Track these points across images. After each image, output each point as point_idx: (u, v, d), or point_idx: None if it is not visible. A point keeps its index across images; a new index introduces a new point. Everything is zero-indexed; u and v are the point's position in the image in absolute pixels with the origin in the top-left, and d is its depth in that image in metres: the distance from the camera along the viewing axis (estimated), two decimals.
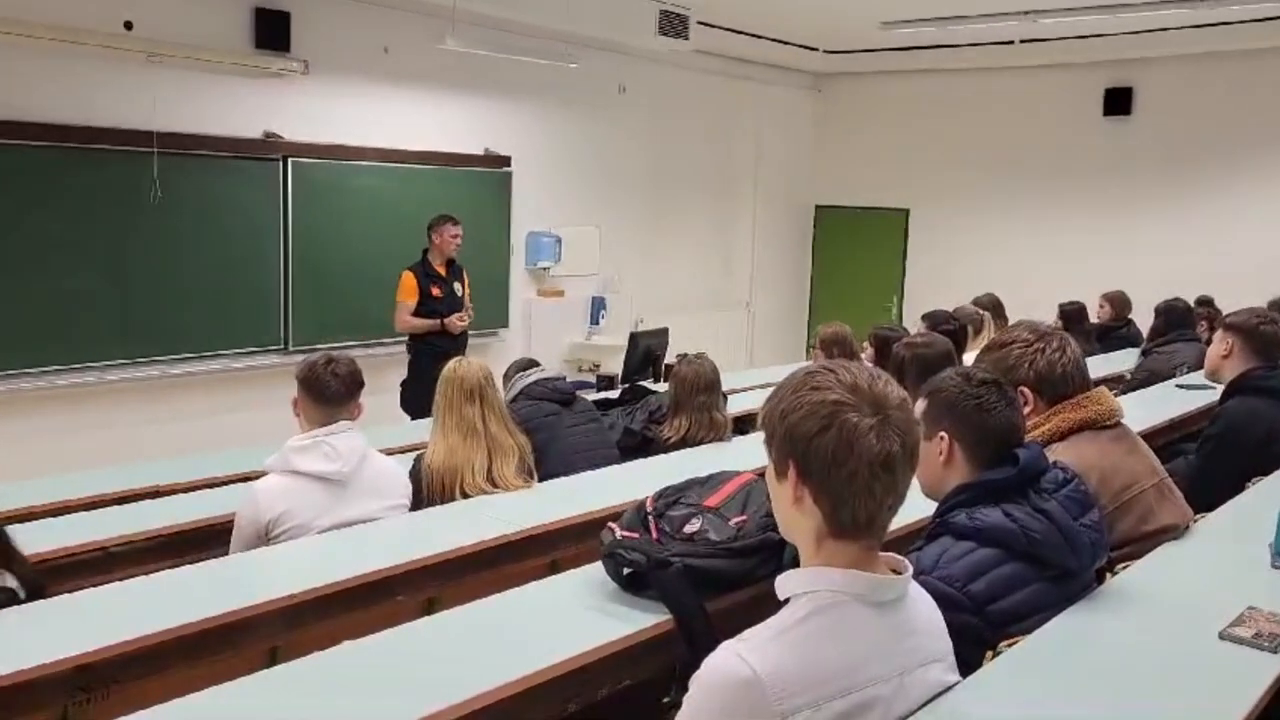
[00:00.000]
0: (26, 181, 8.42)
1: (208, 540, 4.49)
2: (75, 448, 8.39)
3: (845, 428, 2.05)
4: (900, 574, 2.19)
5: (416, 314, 9.02)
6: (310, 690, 2.85)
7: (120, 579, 3.80)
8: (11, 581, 3.39)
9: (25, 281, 8.47)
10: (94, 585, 3.73)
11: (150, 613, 3.36)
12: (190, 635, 3.32)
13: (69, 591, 3.63)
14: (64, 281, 8.66)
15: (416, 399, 8.81)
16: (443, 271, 9.12)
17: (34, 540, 3.98)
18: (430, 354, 8.80)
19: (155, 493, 5.07)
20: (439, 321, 8.97)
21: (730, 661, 1.99)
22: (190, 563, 4.01)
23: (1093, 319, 10.73)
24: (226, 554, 4.29)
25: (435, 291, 9.04)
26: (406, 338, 9.23)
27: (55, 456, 7.91)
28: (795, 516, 2.15)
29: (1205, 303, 9.98)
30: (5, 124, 8.25)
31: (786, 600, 2.14)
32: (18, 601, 3.38)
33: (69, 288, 8.69)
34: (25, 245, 8.46)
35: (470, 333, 9.48)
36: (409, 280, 9.02)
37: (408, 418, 8.53)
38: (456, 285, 9.20)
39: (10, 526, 3.63)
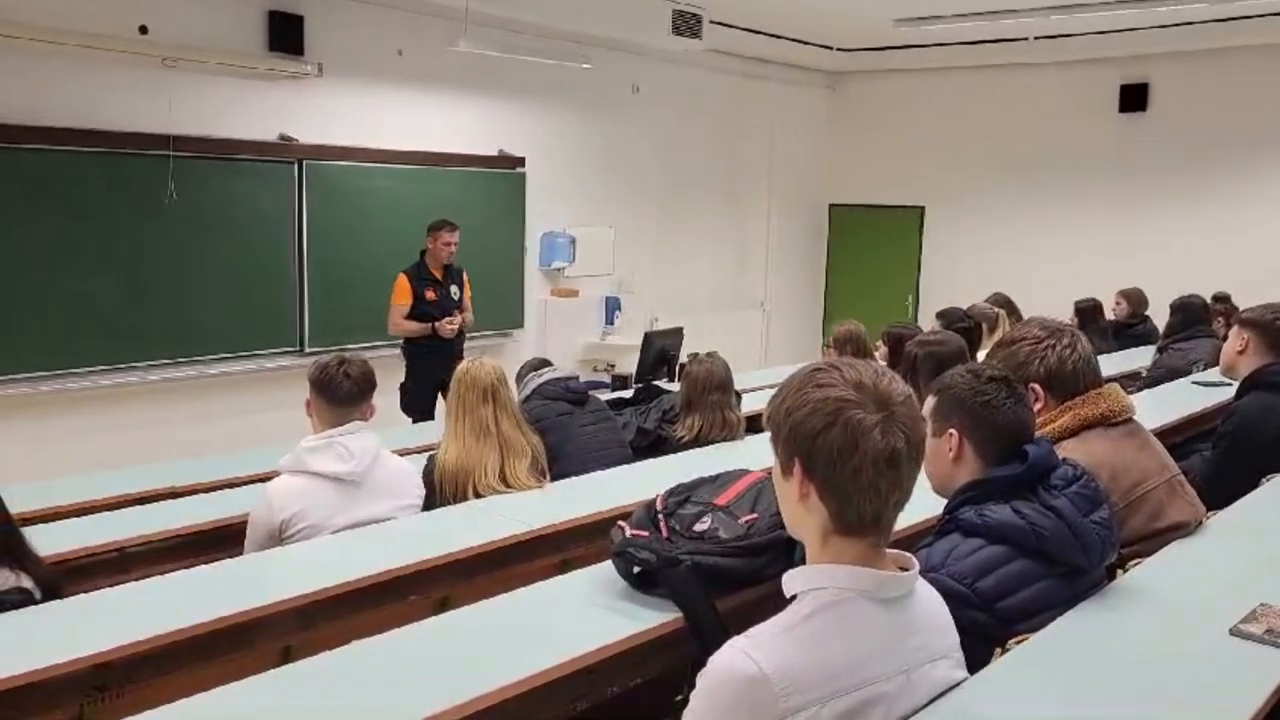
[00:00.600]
0: (42, 185, 8.47)
1: (224, 541, 4.51)
2: (91, 449, 8.43)
3: (850, 424, 2.05)
4: (907, 571, 2.20)
5: (411, 317, 9.00)
6: (323, 688, 2.87)
7: (137, 579, 3.82)
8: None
9: (41, 284, 8.53)
10: (111, 585, 3.75)
11: (165, 612, 3.38)
12: (204, 634, 3.34)
13: (86, 592, 3.65)
14: (80, 284, 8.72)
15: (412, 401, 8.88)
16: (438, 275, 9.09)
17: (52, 541, 4.02)
18: (423, 357, 8.95)
19: (172, 494, 5.09)
20: (430, 325, 8.95)
21: (736, 658, 2.00)
22: (207, 563, 4.02)
23: (1109, 316, 10.70)
24: (241, 554, 4.31)
25: (429, 295, 9.02)
26: (402, 340, 9.22)
27: (71, 458, 7.96)
28: (801, 514, 2.15)
29: (1222, 299, 9.95)
30: (23, 128, 8.31)
31: (794, 597, 2.14)
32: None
33: (85, 290, 8.75)
34: (42, 248, 8.52)
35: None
36: (402, 283, 9.01)
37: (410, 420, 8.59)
38: (453, 288, 9.17)
39: (27, 528, 3.66)
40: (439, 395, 8.61)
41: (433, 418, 8.55)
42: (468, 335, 9.36)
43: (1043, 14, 11.66)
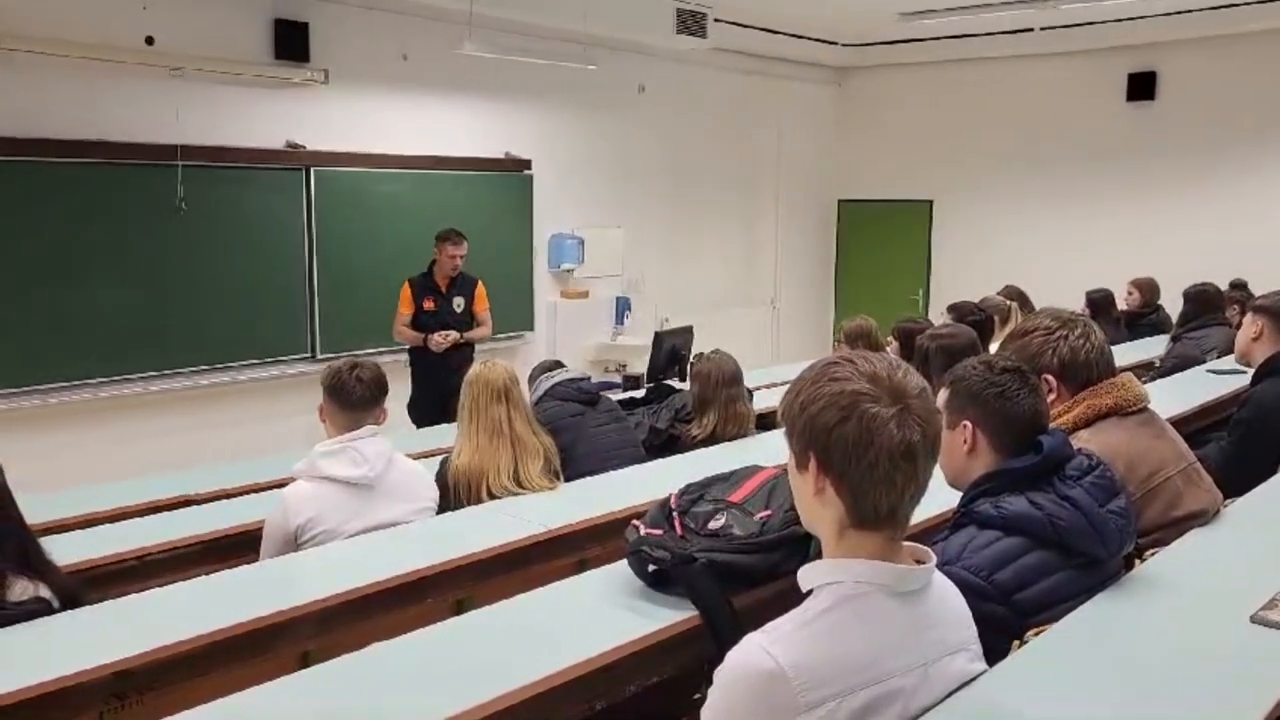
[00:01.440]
0: (52, 196, 8.50)
1: (240, 547, 4.53)
2: (108, 459, 8.46)
3: (865, 418, 2.04)
4: (924, 564, 2.19)
5: (412, 326, 9.00)
6: (342, 691, 2.87)
7: (154, 587, 3.83)
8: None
9: (52, 296, 8.57)
10: (128, 593, 3.76)
11: (183, 619, 3.39)
12: (223, 640, 3.35)
13: (105, 600, 3.66)
14: (91, 295, 8.76)
15: (414, 408, 8.92)
16: (442, 285, 9.03)
17: (70, 550, 4.03)
18: (422, 365, 9.01)
19: (187, 501, 5.11)
20: (424, 337, 8.92)
21: (753, 654, 2.00)
22: (223, 569, 4.03)
23: (1121, 306, 10.68)
24: (257, 560, 4.32)
25: (427, 305, 8.97)
26: (407, 348, 9.21)
27: (89, 468, 7.96)
28: (817, 508, 2.14)
29: (1239, 286, 9.91)
30: (33, 140, 8.35)
31: (810, 592, 2.14)
32: (52, 611, 3.41)
33: (97, 301, 8.79)
34: (52, 259, 8.55)
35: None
36: (405, 292, 9.00)
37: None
38: (458, 300, 9.08)
39: (46, 537, 3.66)
40: (444, 405, 8.57)
41: (441, 422, 8.54)
42: (478, 347, 9.26)
43: (1048, 4, 11.63)
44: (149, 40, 8.92)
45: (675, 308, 13.09)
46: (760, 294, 15.49)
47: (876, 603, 2.10)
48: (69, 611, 3.45)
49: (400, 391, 8.14)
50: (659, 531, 3.44)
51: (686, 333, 9.51)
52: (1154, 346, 9.27)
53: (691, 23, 11.59)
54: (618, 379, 11.33)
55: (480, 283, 9.26)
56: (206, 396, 9.61)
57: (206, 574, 3.96)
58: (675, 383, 8.06)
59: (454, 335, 8.94)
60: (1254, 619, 2.86)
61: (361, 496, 4.42)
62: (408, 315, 8.99)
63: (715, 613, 3.20)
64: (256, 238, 9.79)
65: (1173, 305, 9.65)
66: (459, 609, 3.79)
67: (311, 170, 10.07)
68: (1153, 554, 3.31)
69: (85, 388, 8.81)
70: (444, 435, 6.19)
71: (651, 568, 3.38)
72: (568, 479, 5.15)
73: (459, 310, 9.09)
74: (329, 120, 10.19)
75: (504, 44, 10.65)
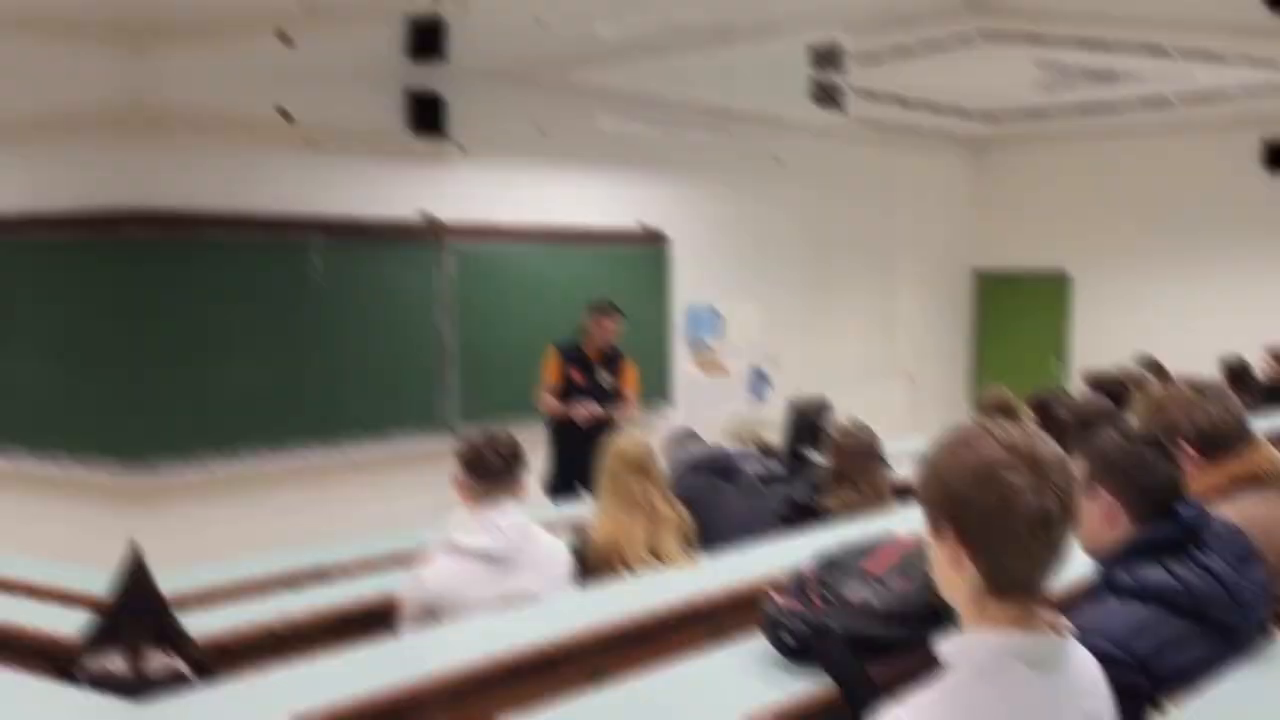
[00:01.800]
0: (188, 271, 8.68)
1: (374, 621, 4.56)
2: (243, 533, 8.50)
3: (1003, 487, 2.02)
4: (1061, 634, 2.16)
5: (558, 397, 8.83)
6: None
7: (287, 660, 3.86)
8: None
9: (192, 370, 8.72)
10: (261, 667, 3.80)
11: (319, 692, 3.39)
12: (357, 715, 3.36)
13: (237, 673, 3.70)
14: (230, 369, 8.92)
15: (551, 481, 8.82)
16: (592, 356, 8.91)
17: (202, 623, 4.08)
18: (561, 437, 8.82)
19: (321, 574, 5.16)
20: (564, 409, 8.75)
21: None
22: (356, 644, 4.06)
23: (1258, 375, 10.50)
24: (393, 635, 4.35)
25: (576, 376, 8.83)
26: (546, 419, 9.02)
27: (224, 542, 8.04)
28: (953, 578, 2.13)
29: None
30: (169, 216, 8.45)
31: (948, 664, 2.12)
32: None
33: (235, 376, 8.95)
34: (191, 335, 8.72)
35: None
36: (552, 359, 8.86)
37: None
38: (605, 374, 8.94)
39: (178, 610, 3.72)
40: (581, 478, 8.42)
41: (577, 496, 8.46)
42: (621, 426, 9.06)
43: (1186, 74, 11.52)
44: (285, 114, 9.12)
45: (812, 380, 13.00)
46: (897, 366, 15.40)
47: (1015, 674, 2.08)
48: (204, 686, 3.50)
49: (537, 465, 8.17)
50: (795, 604, 3.42)
51: (823, 405, 9.48)
52: None
53: (829, 95, 11.60)
54: (753, 451, 11.31)
55: (630, 361, 9.15)
56: (342, 471, 9.72)
57: (339, 648, 3.99)
58: (812, 455, 8.02)
59: (599, 411, 8.76)
60: None
61: (497, 569, 4.43)
62: (553, 384, 8.84)
63: (853, 685, 3.17)
64: (393, 311, 9.97)
65: None
66: (594, 681, 3.79)
67: (448, 243, 10.24)
68: None
69: (221, 463, 8.95)
70: (580, 508, 6.22)
71: (788, 640, 3.36)
72: (703, 551, 5.14)
73: (606, 385, 8.95)
74: (465, 193, 10.37)
75: (639, 116, 10.74)
